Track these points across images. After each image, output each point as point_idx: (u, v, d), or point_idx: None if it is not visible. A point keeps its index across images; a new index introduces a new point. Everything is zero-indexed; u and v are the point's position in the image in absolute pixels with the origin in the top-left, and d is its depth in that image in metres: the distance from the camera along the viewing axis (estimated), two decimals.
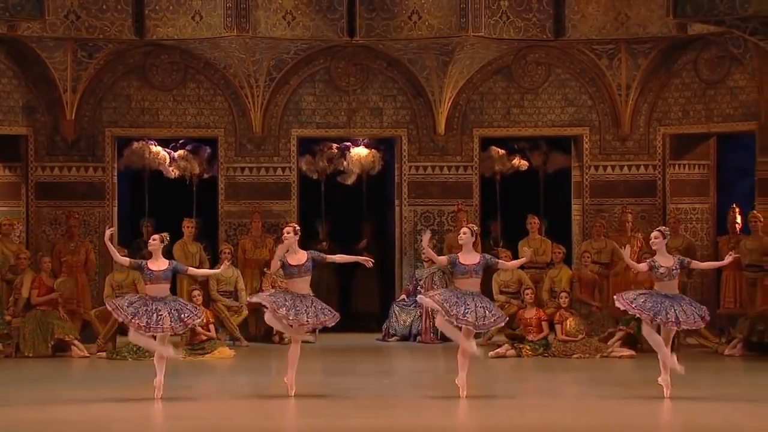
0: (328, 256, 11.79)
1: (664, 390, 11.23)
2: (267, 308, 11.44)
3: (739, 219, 16.09)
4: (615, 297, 11.63)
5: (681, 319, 11.23)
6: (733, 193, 17.28)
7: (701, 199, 17.62)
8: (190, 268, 12.29)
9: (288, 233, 11.41)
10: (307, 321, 11.36)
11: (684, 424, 10.27)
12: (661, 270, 11.32)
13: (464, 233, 11.46)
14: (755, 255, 15.54)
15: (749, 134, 16.80)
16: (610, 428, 10.20)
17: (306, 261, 11.41)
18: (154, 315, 11.30)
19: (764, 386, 12.53)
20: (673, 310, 11.21)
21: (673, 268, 11.36)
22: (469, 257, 11.40)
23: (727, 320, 15.66)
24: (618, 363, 14.45)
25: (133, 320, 11.32)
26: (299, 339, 11.64)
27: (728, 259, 12.17)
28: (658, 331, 11.35)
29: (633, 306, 11.26)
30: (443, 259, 11.68)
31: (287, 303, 11.29)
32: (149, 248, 11.66)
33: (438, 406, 11.28)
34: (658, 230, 11.57)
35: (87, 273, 16.34)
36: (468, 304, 11.20)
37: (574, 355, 14.83)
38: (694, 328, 11.63)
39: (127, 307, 11.38)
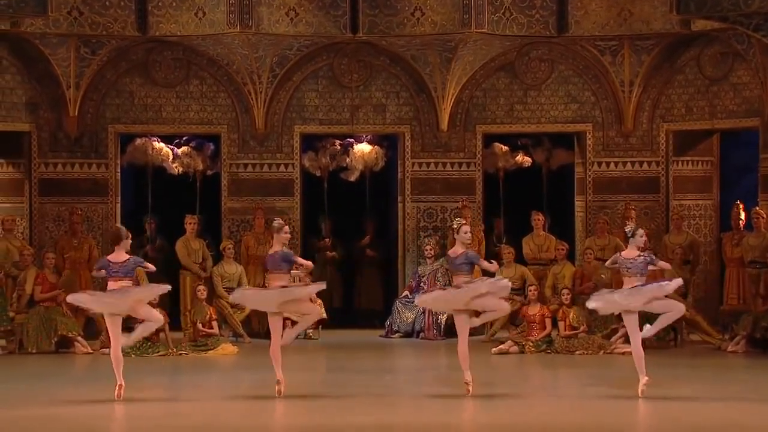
0: (298, 258, 11.56)
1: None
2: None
3: (742, 215, 16.07)
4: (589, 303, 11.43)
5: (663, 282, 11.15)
6: (737, 190, 17.27)
7: (704, 196, 17.60)
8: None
9: (288, 233, 11.43)
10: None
11: (685, 422, 10.26)
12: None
13: (467, 233, 11.45)
14: (758, 251, 15.52)
15: (753, 130, 16.78)
16: (612, 426, 10.20)
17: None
18: None
19: (766, 383, 12.51)
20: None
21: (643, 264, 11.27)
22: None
23: (730, 317, 15.64)
24: (621, 359, 14.42)
25: None
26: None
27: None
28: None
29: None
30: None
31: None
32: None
33: (440, 403, 11.28)
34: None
35: (90, 269, 16.33)
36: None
37: (577, 352, 14.82)
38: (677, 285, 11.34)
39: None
